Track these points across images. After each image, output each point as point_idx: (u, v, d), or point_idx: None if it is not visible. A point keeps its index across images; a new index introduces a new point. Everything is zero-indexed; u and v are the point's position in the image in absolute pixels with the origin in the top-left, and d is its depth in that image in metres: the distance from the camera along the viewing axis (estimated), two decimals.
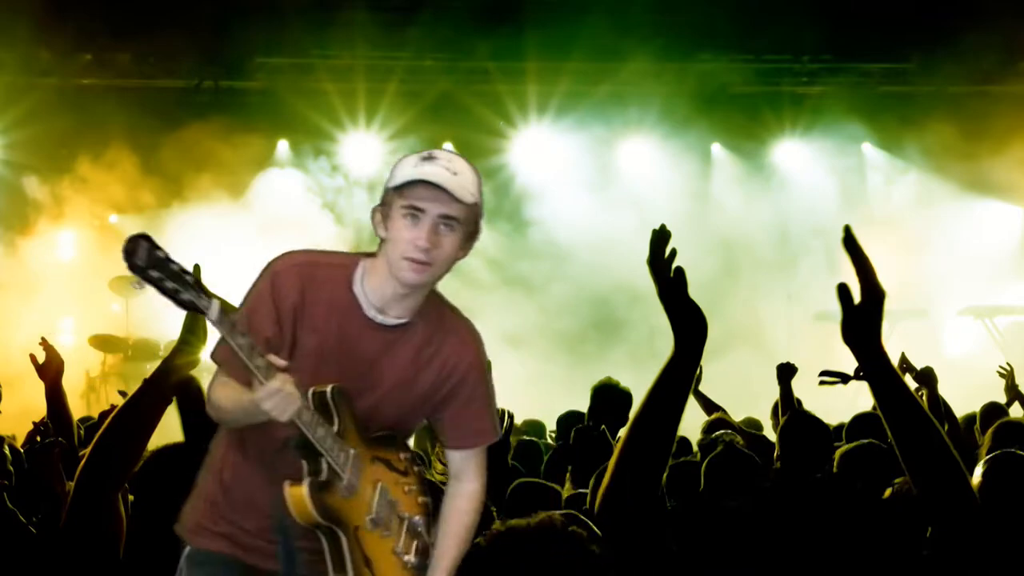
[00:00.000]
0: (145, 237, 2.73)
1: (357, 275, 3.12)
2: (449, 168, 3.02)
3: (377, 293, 3.10)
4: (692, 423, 7.14)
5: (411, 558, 3.16)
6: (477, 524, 3.24)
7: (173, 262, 2.74)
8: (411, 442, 3.41)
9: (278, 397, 2.83)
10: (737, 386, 9.61)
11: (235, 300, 3.32)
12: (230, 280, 4.27)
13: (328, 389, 3.02)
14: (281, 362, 2.87)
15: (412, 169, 3.01)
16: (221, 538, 3.20)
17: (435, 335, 3.18)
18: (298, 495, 2.96)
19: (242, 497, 3.17)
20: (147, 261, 2.70)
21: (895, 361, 2.89)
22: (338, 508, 3.01)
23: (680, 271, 3.04)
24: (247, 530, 3.17)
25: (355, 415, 3.07)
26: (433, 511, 3.28)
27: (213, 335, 3.12)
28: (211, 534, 3.21)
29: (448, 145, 14.75)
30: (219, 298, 2.82)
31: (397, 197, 3.02)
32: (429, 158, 3.04)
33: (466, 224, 3.07)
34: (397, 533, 3.15)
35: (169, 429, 4.10)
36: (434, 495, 3.35)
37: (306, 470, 2.97)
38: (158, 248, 2.73)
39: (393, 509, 3.15)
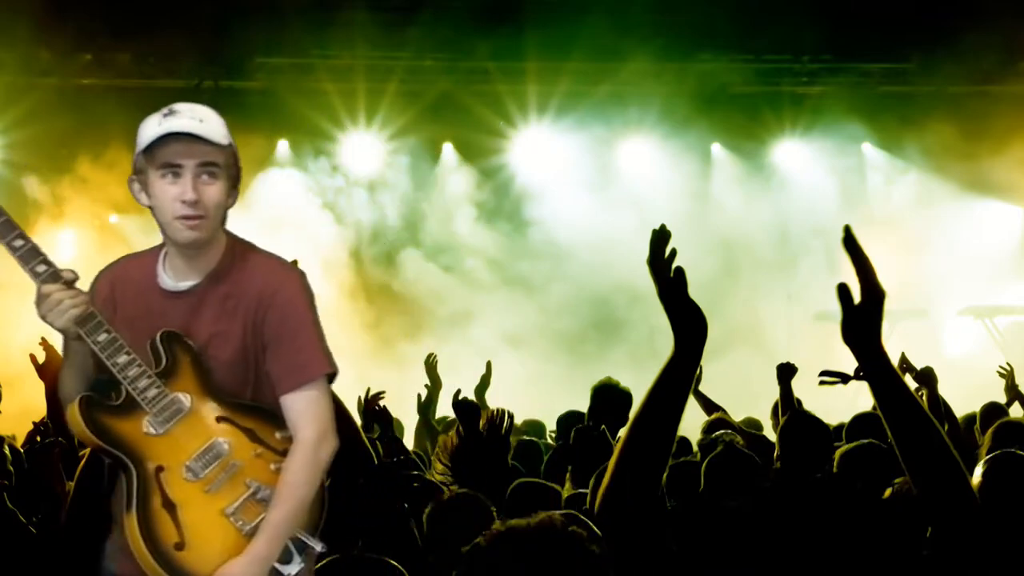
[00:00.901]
0: None
1: (161, 256, 3.15)
2: (194, 117, 3.02)
3: (172, 264, 3.11)
4: (692, 423, 7.14)
5: (247, 525, 2.99)
6: (312, 479, 3.05)
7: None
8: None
9: (50, 301, 2.93)
10: (737, 386, 9.61)
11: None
12: None
13: (157, 336, 3.03)
14: (71, 273, 2.97)
15: (157, 127, 3.02)
16: None
17: (237, 284, 3.10)
18: (72, 409, 2.97)
19: None
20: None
21: (895, 361, 2.89)
22: (126, 435, 2.96)
23: (680, 271, 3.04)
24: None
25: (196, 367, 3.04)
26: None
27: None
28: None
29: (448, 145, 14.79)
30: None
31: (149, 160, 3.05)
32: (170, 113, 3.03)
33: (227, 168, 3.07)
34: (232, 496, 2.99)
35: None
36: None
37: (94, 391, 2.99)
38: None
39: (229, 470, 3.00)
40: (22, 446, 6.14)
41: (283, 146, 14.50)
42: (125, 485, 2.96)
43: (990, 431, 5.57)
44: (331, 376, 3.13)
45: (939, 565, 2.96)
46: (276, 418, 3.08)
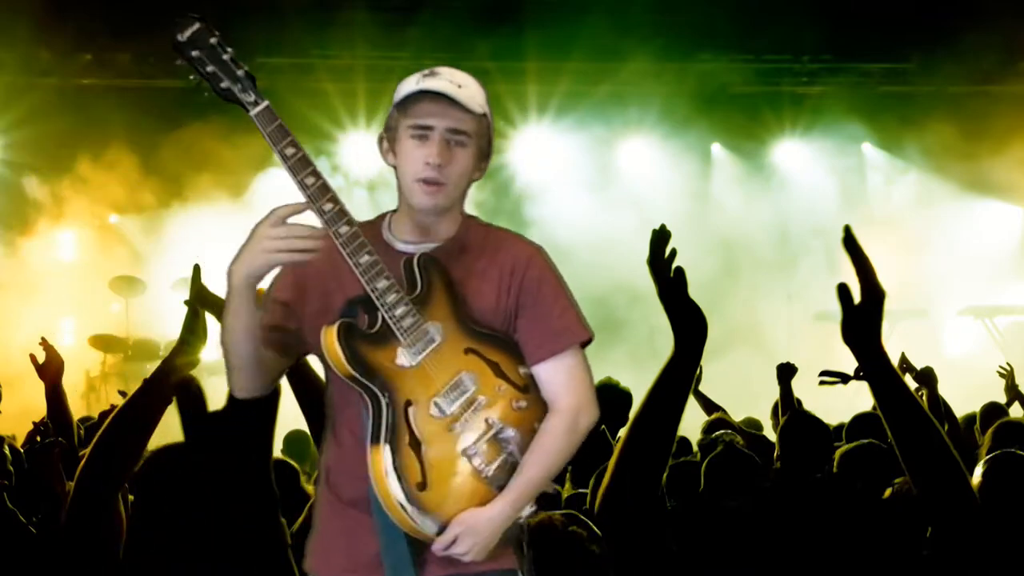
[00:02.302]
0: (203, 20, 2.74)
1: (385, 224, 2.98)
2: (453, 81, 2.87)
3: (400, 228, 2.94)
4: (692, 423, 7.14)
5: (487, 467, 2.82)
6: (571, 446, 2.90)
7: (227, 50, 2.74)
8: None
9: (297, 231, 2.69)
10: (737, 386, 9.61)
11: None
12: None
13: (415, 256, 2.84)
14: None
15: (414, 84, 2.88)
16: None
17: (482, 250, 2.93)
18: (329, 334, 2.77)
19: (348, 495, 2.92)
20: (191, 39, 2.73)
21: (895, 361, 2.90)
22: (380, 366, 2.78)
23: (680, 271, 3.05)
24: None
25: (450, 294, 2.85)
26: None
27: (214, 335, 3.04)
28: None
29: None
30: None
31: (402, 117, 2.91)
32: (431, 74, 2.89)
33: (478, 138, 2.89)
34: (473, 435, 2.82)
35: (169, 429, 4.10)
36: None
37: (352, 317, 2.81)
38: (213, 33, 2.74)
39: (475, 407, 2.82)
40: (22, 446, 6.14)
41: None
42: (372, 417, 2.76)
43: (990, 431, 5.57)
44: (586, 343, 2.98)
45: (939, 565, 2.96)
46: (519, 355, 2.90)
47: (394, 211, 3.01)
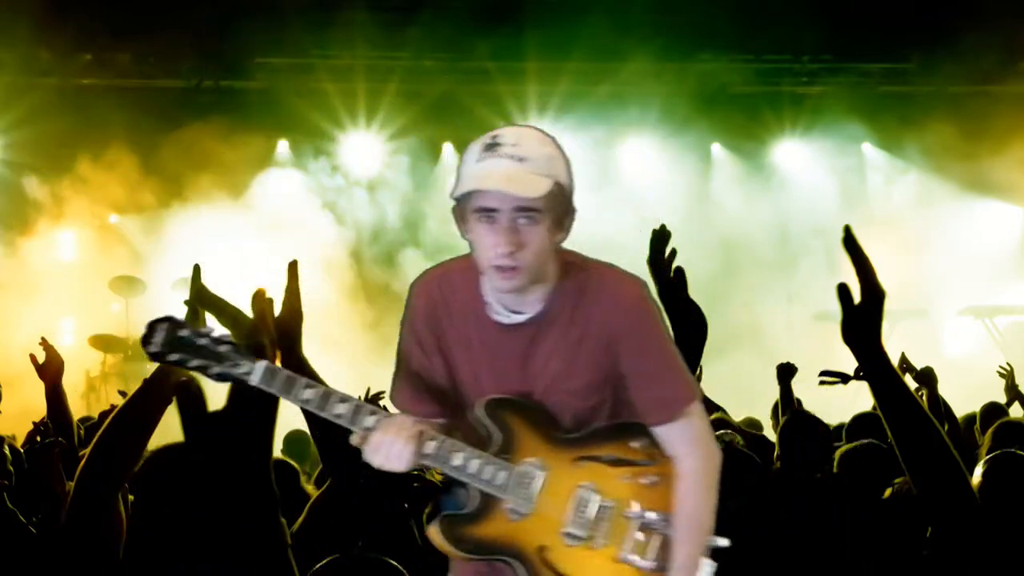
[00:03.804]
0: (166, 319, 2.67)
1: (484, 280, 2.80)
2: (515, 155, 2.64)
3: (497, 293, 2.79)
4: None
5: (647, 562, 2.74)
6: (710, 502, 2.80)
7: (201, 335, 2.66)
8: None
9: (384, 448, 2.64)
10: (737, 386, 9.60)
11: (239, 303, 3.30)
12: (230, 280, 4.27)
13: (481, 405, 2.76)
14: (393, 414, 2.68)
15: (473, 167, 2.67)
16: None
17: (577, 313, 2.77)
18: (433, 536, 2.74)
19: None
20: (164, 345, 2.66)
21: (895, 361, 2.89)
22: (497, 537, 2.72)
23: (680, 271, 3.05)
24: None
25: (532, 422, 2.76)
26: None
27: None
28: None
29: (448, 145, 14.77)
30: (268, 360, 2.68)
31: (466, 198, 2.69)
32: (492, 147, 2.67)
33: (550, 210, 2.67)
34: (620, 538, 2.74)
35: (169, 429, 4.09)
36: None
37: (444, 505, 2.77)
38: (181, 326, 2.67)
39: (605, 514, 2.74)
40: (22, 446, 6.14)
41: (283, 146, 14.51)
42: None
43: (990, 431, 5.56)
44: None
45: (939, 565, 2.96)
46: (626, 429, 2.82)
47: None
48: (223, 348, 2.67)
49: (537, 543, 2.71)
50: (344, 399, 2.69)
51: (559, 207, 2.70)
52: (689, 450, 2.79)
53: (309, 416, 3.95)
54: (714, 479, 2.82)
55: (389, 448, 2.64)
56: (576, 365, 2.77)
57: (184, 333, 2.65)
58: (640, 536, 2.74)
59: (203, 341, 2.66)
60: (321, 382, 2.99)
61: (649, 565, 2.74)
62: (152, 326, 2.66)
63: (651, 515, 2.75)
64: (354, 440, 2.69)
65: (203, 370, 2.67)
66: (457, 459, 2.68)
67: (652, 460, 2.78)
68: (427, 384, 2.90)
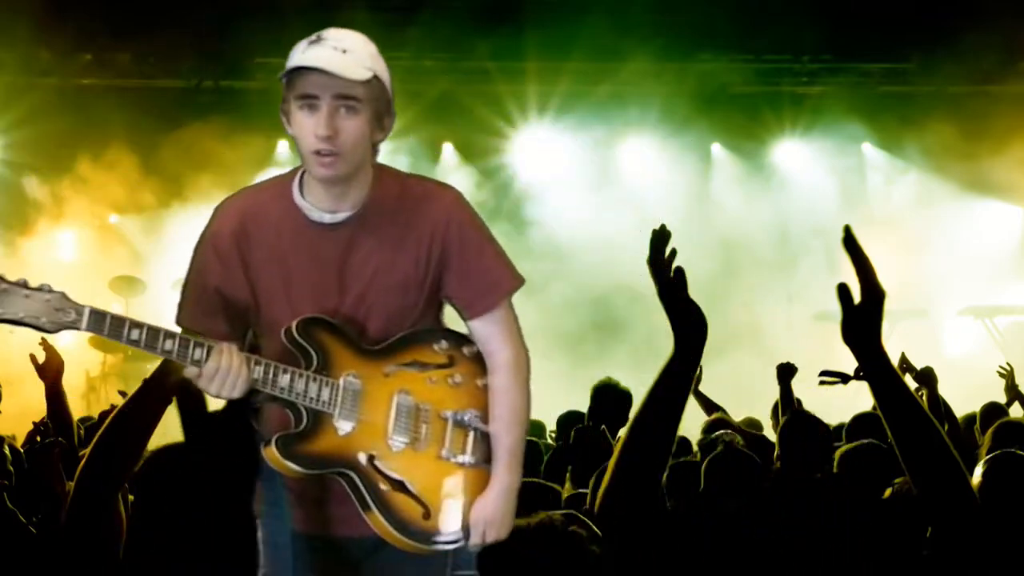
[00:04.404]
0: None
1: (294, 185, 2.93)
2: (338, 46, 2.82)
3: (313, 194, 2.89)
4: (692, 423, 7.14)
5: (466, 457, 2.93)
6: (526, 396, 3.03)
7: (20, 286, 2.68)
8: None
9: (219, 378, 2.72)
10: (737, 386, 9.61)
11: None
12: None
13: (292, 326, 2.83)
14: (217, 342, 2.74)
15: (299, 55, 2.81)
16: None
17: (399, 212, 2.92)
18: (270, 454, 2.79)
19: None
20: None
21: (895, 361, 2.89)
22: (330, 450, 2.82)
23: (680, 271, 3.04)
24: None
25: (342, 337, 2.87)
26: None
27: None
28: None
29: (448, 145, 14.78)
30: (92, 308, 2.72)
31: (289, 89, 2.83)
32: (317, 40, 2.84)
33: (370, 102, 2.81)
34: (439, 438, 2.91)
35: (169, 429, 4.10)
36: None
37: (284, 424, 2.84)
38: (2, 281, 2.68)
39: (423, 416, 2.91)
40: (22, 446, 6.14)
41: (283, 146, 14.50)
42: (351, 491, 2.84)
43: (990, 431, 5.57)
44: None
45: (939, 565, 2.96)
46: (428, 334, 2.97)
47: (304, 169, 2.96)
48: (49, 297, 2.70)
49: (366, 452, 2.85)
50: (170, 335, 2.73)
51: (379, 102, 2.83)
52: (504, 343, 3.00)
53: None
54: (528, 372, 3.06)
55: (224, 377, 2.72)
56: (397, 260, 2.90)
57: (3, 286, 2.67)
58: (455, 436, 2.93)
59: (26, 292, 2.69)
60: None
61: (470, 460, 2.93)
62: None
63: (462, 413, 2.94)
64: (188, 373, 2.74)
65: (34, 322, 2.69)
66: (283, 380, 2.78)
67: (453, 361, 2.97)
68: (223, 302, 2.96)
